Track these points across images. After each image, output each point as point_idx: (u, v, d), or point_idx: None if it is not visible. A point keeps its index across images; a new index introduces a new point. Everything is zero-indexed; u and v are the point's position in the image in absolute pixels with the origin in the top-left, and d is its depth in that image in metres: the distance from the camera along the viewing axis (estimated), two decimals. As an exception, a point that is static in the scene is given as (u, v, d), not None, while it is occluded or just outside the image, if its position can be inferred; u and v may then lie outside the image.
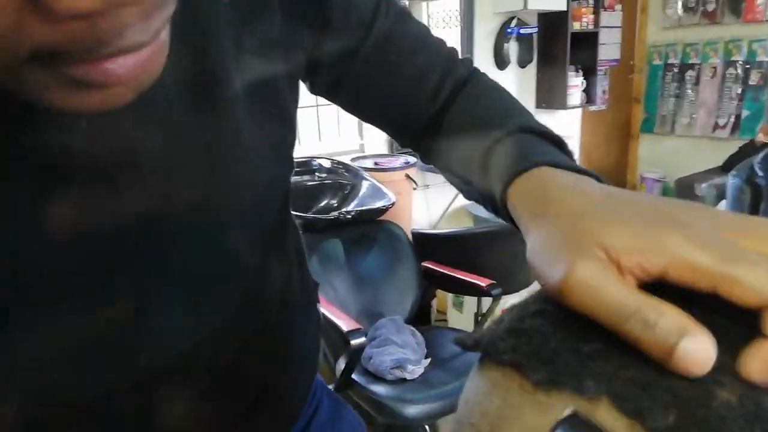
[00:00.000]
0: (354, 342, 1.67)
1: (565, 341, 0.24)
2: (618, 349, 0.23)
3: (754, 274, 0.21)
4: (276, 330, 0.48)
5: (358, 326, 1.71)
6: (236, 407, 0.45)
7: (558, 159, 0.35)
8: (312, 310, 0.55)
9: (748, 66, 3.66)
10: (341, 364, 1.84)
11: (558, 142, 0.40)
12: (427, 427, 2.02)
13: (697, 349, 0.21)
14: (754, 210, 1.34)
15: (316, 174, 2.46)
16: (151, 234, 0.34)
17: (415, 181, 2.62)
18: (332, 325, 1.71)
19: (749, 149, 3.11)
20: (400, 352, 1.89)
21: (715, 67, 3.80)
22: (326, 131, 2.98)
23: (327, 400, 0.59)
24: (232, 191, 0.38)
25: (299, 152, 2.50)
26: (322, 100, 2.72)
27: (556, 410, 0.23)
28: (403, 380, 1.83)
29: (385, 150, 3.02)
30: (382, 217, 2.25)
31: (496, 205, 0.37)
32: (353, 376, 1.81)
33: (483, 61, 3.26)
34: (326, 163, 2.47)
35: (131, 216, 0.32)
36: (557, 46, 3.37)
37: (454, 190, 3.13)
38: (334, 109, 2.71)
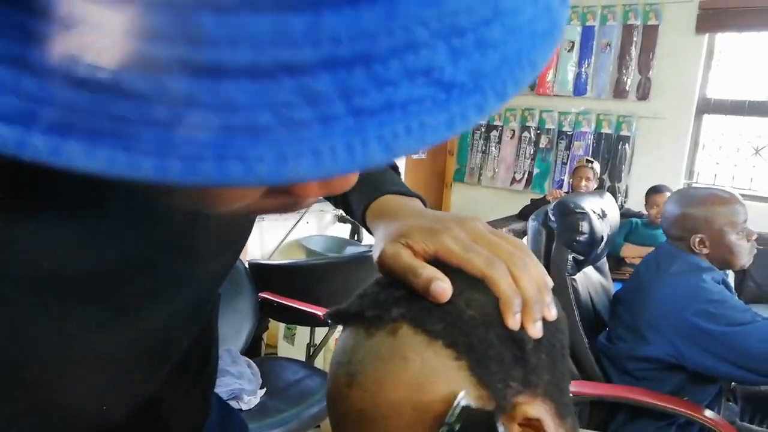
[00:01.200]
0: (191, 372, 1.62)
1: (387, 294, 0.39)
2: (416, 295, 0.38)
3: (477, 259, 0.38)
4: (205, 345, 0.54)
5: (195, 356, 1.67)
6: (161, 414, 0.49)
7: (397, 186, 0.53)
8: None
9: (539, 131, 4.34)
10: (172, 398, 1.76)
11: (394, 168, 0.59)
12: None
13: (440, 286, 0.37)
14: (548, 247, 1.63)
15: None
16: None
17: (252, 213, 2.63)
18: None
19: (540, 203, 3.68)
20: (236, 383, 1.87)
21: (513, 130, 4.44)
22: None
23: (214, 402, 0.62)
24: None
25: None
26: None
27: (381, 335, 0.38)
28: (239, 411, 1.82)
29: (220, 180, 2.97)
30: (219, 247, 2.23)
31: (356, 217, 0.54)
32: (185, 409, 1.75)
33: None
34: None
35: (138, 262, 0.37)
36: (387, 96, 3.67)
37: (289, 224, 3.20)
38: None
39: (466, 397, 0.35)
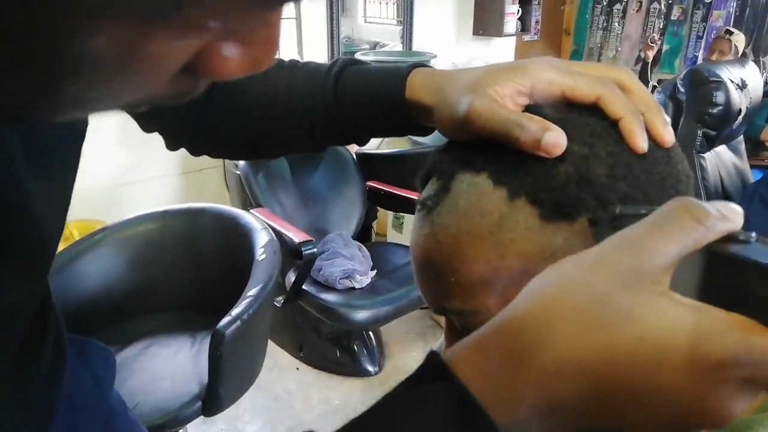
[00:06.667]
0: (306, 253, 1.73)
1: (468, 150, 0.37)
2: (500, 149, 0.35)
3: (583, 80, 0.34)
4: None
5: (309, 238, 1.76)
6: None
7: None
8: None
9: (671, 1, 3.84)
10: (291, 277, 1.90)
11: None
12: (371, 332, 2.15)
13: (554, 137, 0.32)
14: (675, 121, 1.47)
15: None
16: None
17: (358, 103, 2.63)
18: (282, 240, 1.75)
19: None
20: (349, 264, 1.97)
21: (641, 1, 3.97)
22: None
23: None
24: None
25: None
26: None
27: (460, 188, 0.36)
28: (352, 289, 1.93)
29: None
30: (327, 137, 2.27)
31: (379, 118, 0.45)
32: (303, 286, 1.89)
33: (424, -17, 3.23)
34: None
35: None
36: (495, -28, 3.39)
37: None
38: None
39: None
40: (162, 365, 1.37)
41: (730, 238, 0.25)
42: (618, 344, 0.23)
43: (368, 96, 0.46)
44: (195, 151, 0.55)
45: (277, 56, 0.22)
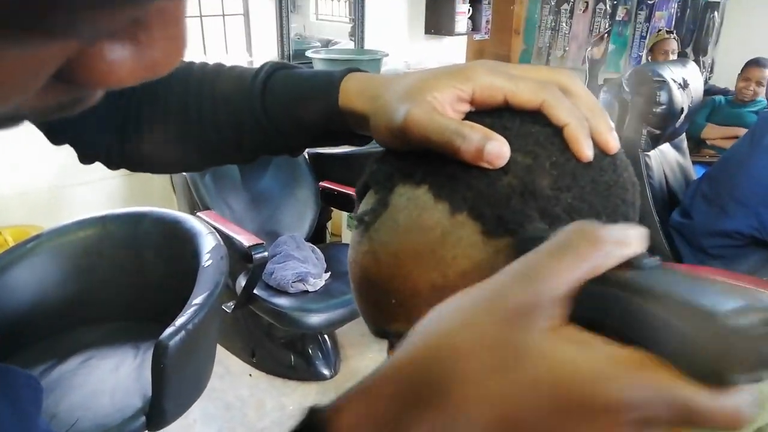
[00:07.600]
0: (257, 256, 1.68)
1: (407, 161, 0.34)
2: (440, 161, 0.32)
3: (526, 85, 0.32)
4: None
5: (260, 241, 1.71)
6: None
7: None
8: None
9: (616, 2, 3.95)
10: (242, 282, 1.84)
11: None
12: (326, 335, 2.11)
13: (497, 147, 0.30)
14: (621, 121, 1.50)
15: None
16: None
17: (309, 102, 2.59)
18: (231, 243, 1.70)
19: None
20: (302, 266, 1.93)
21: (587, 2, 4.06)
22: (211, 46, 2.81)
23: None
24: None
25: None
26: (205, 11, 2.55)
27: (400, 203, 0.33)
28: (306, 292, 1.89)
29: (276, 70, 2.92)
30: (277, 136, 2.22)
31: (308, 131, 0.42)
32: (255, 291, 1.83)
33: (374, -19, 3.21)
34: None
35: None
36: (446, -29, 3.40)
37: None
38: (219, 21, 2.56)
39: None
40: (103, 378, 1.30)
41: (629, 264, 0.24)
42: (510, 389, 0.22)
43: (299, 105, 0.42)
44: (111, 166, 0.51)
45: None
